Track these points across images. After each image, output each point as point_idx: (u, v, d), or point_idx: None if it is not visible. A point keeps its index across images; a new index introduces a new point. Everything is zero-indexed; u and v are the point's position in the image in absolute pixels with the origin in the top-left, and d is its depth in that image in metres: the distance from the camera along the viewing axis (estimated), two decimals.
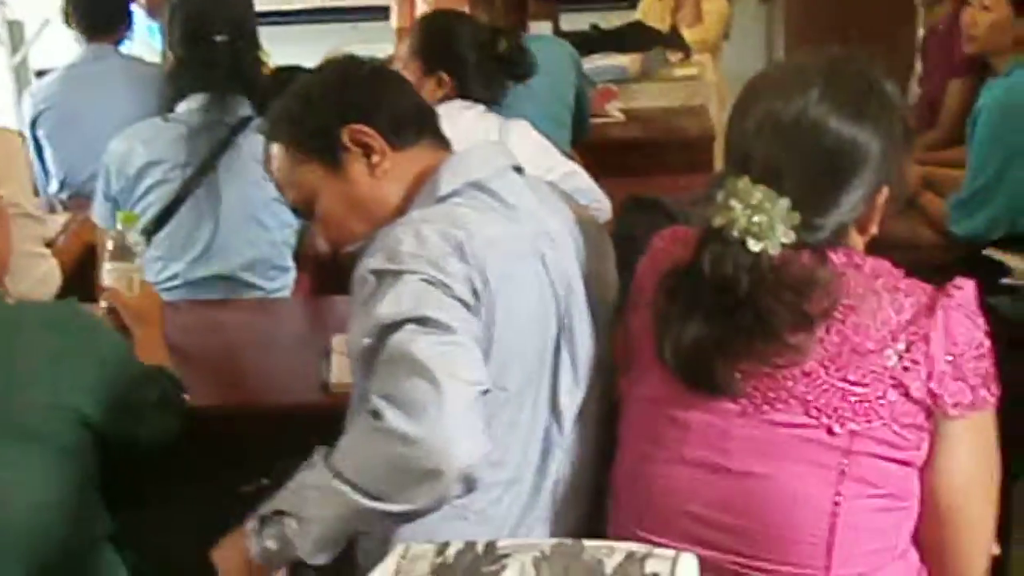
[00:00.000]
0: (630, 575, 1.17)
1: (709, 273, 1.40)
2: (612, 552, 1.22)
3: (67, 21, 3.57)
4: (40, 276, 2.62)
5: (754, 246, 1.38)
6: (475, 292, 1.50)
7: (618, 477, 1.56)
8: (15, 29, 4.86)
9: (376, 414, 1.39)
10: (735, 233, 1.39)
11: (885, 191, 1.45)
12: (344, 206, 1.66)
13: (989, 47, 3.10)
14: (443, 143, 1.73)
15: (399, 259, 1.48)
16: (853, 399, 1.39)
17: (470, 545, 1.27)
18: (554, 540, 1.25)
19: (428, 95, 2.54)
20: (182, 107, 2.76)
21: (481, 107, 2.77)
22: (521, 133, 2.70)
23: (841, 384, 1.39)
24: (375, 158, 1.65)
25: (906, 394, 1.39)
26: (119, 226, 2.24)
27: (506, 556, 1.23)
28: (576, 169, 2.73)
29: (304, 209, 1.72)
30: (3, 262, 1.85)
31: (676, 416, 1.47)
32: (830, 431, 1.39)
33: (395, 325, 1.43)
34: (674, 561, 1.20)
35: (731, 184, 1.40)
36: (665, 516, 1.48)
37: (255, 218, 2.76)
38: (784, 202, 1.38)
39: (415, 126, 1.70)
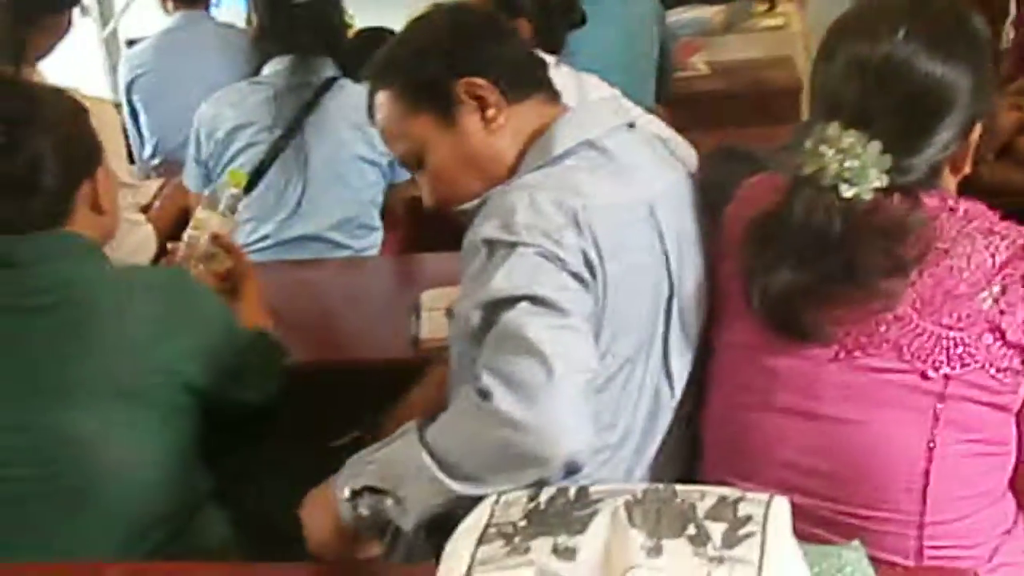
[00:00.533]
0: (723, 518, 1.17)
1: (801, 220, 1.38)
2: (704, 496, 1.22)
3: None
4: (136, 243, 2.67)
5: (847, 192, 1.37)
6: (589, 265, 1.45)
7: (708, 423, 1.56)
8: (104, 1, 4.94)
9: (484, 393, 1.33)
10: (827, 180, 1.37)
11: (978, 128, 1.42)
12: (457, 161, 1.60)
13: None
14: (555, 96, 1.67)
15: (513, 229, 1.42)
16: (947, 343, 1.37)
17: (562, 490, 1.28)
18: (646, 484, 1.25)
19: None
20: (267, 70, 2.80)
21: (552, 58, 2.72)
22: (595, 84, 2.67)
23: (935, 328, 1.37)
24: (490, 112, 1.58)
25: (1002, 337, 1.36)
26: (227, 182, 2.22)
27: (598, 500, 1.23)
28: (653, 119, 2.70)
29: (412, 163, 1.65)
30: (111, 229, 1.84)
31: (765, 363, 1.46)
32: (924, 375, 1.38)
33: (508, 301, 1.38)
34: (768, 504, 1.20)
35: (820, 131, 1.39)
36: (756, 463, 1.47)
37: (342, 178, 2.79)
38: (875, 145, 1.36)
39: (530, 78, 1.64)
